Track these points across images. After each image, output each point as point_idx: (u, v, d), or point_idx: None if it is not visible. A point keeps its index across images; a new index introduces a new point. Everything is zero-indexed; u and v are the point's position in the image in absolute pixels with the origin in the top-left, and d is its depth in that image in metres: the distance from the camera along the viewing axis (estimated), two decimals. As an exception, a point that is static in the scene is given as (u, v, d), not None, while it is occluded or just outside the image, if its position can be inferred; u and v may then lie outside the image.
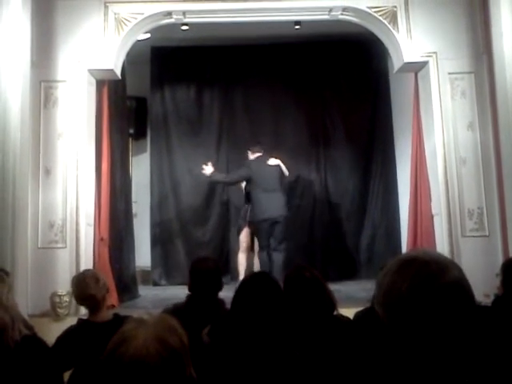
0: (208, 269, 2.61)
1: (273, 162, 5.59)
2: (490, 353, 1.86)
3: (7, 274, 2.87)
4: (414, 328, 0.94)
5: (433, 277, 0.95)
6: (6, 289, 1.94)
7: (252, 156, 5.70)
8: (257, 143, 5.85)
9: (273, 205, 5.38)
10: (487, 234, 4.53)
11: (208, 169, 5.63)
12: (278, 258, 5.33)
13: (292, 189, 6.81)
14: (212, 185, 6.57)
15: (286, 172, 5.66)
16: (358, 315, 2.69)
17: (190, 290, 2.61)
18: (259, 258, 5.54)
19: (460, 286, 0.95)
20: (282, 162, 6.08)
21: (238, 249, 5.86)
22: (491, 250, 4.45)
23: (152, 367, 1.01)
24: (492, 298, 3.23)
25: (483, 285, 4.01)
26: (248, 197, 5.67)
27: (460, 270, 0.98)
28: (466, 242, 4.51)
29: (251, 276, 2.08)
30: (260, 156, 5.64)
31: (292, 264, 3.43)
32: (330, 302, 2.34)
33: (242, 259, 5.71)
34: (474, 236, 4.53)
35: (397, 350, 0.96)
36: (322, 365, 1.84)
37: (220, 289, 2.64)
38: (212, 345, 1.91)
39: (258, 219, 5.44)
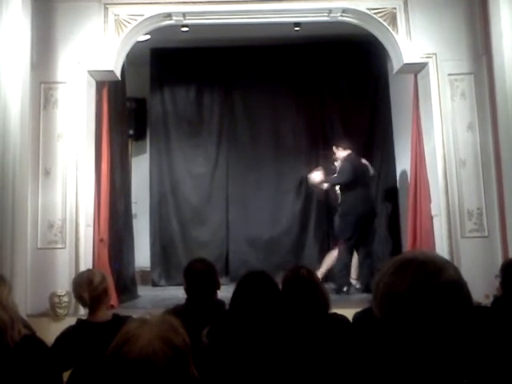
0: (201, 270, 2.61)
1: (363, 161, 5.86)
2: (489, 353, 1.86)
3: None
4: (412, 328, 0.94)
5: (430, 277, 0.95)
6: (6, 290, 1.95)
7: (343, 152, 5.75)
8: (345, 140, 5.95)
9: (367, 201, 5.64)
10: (487, 234, 4.53)
11: (317, 175, 5.82)
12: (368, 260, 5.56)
13: (290, 191, 6.84)
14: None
15: (372, 171, 5.97)
16: (356, 316, 2.69)
17: (186, 292, 2.61)
18: (342, 251, 5.65)
19: (457, 285, 0.96)
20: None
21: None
22: (491, 251, 4.45)
23: (158, 366, 1.02)
24: (492, 298, 3.23)
25: (483, 285, 4.01)
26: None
27: (456, 269, 0.99)
28: (465, 243, 4.51)
29: (248, 276, 2.09)
30: (351, 153, 5.75)
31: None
32: (324, 301, 2.36)
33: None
34: (473, 237, 4.53)
35: (395, 350, 0.97)
36: (318, 363, 1.84)
37: (216, 289, 2.64)
38: (211, 346, 1.91)
39: (352, 213, 5.58)
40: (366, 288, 5.31)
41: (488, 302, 3.34)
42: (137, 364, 1.01)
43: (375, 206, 5.86)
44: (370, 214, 5.63)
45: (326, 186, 5.96)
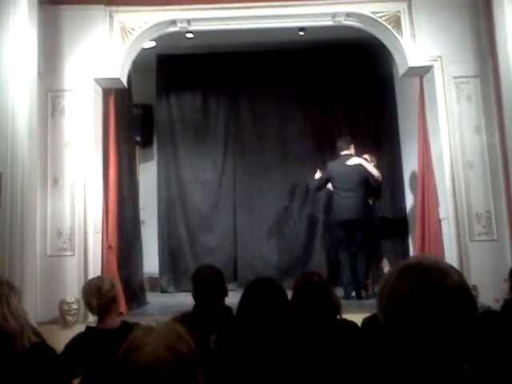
0: (209, 276, 2.62)
1: (353, 161, 5.48)
2: (498, 357, 1.85)
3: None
4: (416, 333, 0.94)
5: (434, 282, 0.96)
6: (16, 297, 1.96)
7: (340, 154, 5.64)
8: (344, 140, 5.74)
9: (348, 207, 5.33)
10: (496, 237, 4.49)
11: (316, 175, 5.76)
12: (362, 263, 5.38)
13: (297, 196, 6.83)
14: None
15: (374, 172, 5.46)
16: (365, 321, 2.69)
17: (194, 298, 2.62)
18: (339, 257, 5.59)
19: (461, 290, 0.96)
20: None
21: None
22: (500, 254, 4.41)
23: (163, 374, 1.03)
24: (501, 302, 3.21)
25: (493, 289, 3.99)
26: None
27: (460, 274, 0.99)
28: (474, 247, 4.47)
29: (255, 282, 2.09)
30: (346, 154, 5.56)
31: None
32: (335, 308, 2.37)
33: None
34: (482, 240, 4.49)
35: (400, 355, 0.96)
36: (326, 369, 1.84)
37: (224, 296, 2.65)
38: (219, 352, 1.92)
39: (333, 220, 5.56)
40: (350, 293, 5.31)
41: (497, 306, 3.32)
42: (143, 372, 1.02)
43: (362, 213, 5.36)
44: (352, 221, 5.32)
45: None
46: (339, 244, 5.57)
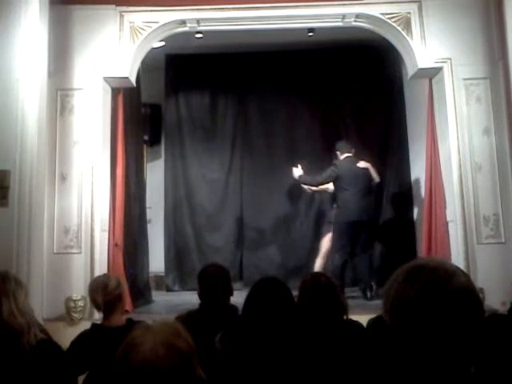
0: (215, 275, 2.63)
1: (362, 164, 5.57)
2: (504, 360, 1.84)
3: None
4: (422, 334, 0.94)
5: (441, 283, 0.95)
6: (23, 293, 1.98)
7: (341, 156, 5.69)
8: (345, 143, 5.81)
9: (360, 208, 5.38)
10: (503, 240, 4.46)
11: (297, 171, 5.75)
12: (365, 264, 5.41)
13: (304, 196, 6.82)
14: (300, 187, 6.40)
15: (376, 177, 5.61)
16: (371, 322, 2.68)
17: (200, 297, 2.63)
18: (331, 260, 5.54)
19: (468, 291, 0.95)
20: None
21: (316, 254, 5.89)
22: (508, 257, 4.37)
23: (163, 371, 1.03)
24: (509, 306, 3.19)
25: (500, 292, 3.96)
26: (335, 198, 5.68)
27: (467, 276, 0.98)
28: (481, 249, 4.44)
29: (261, 281, 2.09)
30: (349, 156, 5.63)
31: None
32: (342, 308, 2.37)
33: (319, 265, 5.70)
34: (489, 243, 4.46)
35: (406, 356, 0.96)
36: (331, 369, 1.84)
37: (229, 295, 2.65)
38: (224, 351, 1.92)
39: (343, 221, 5.47)
40: None
41: (504, 310, 3.30)
42: (142, 371, 1.03)
43: (370, 214, 5.57)
44: (361, 221, 5.39)
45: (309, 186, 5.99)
46: (341, 244, 5.50)
